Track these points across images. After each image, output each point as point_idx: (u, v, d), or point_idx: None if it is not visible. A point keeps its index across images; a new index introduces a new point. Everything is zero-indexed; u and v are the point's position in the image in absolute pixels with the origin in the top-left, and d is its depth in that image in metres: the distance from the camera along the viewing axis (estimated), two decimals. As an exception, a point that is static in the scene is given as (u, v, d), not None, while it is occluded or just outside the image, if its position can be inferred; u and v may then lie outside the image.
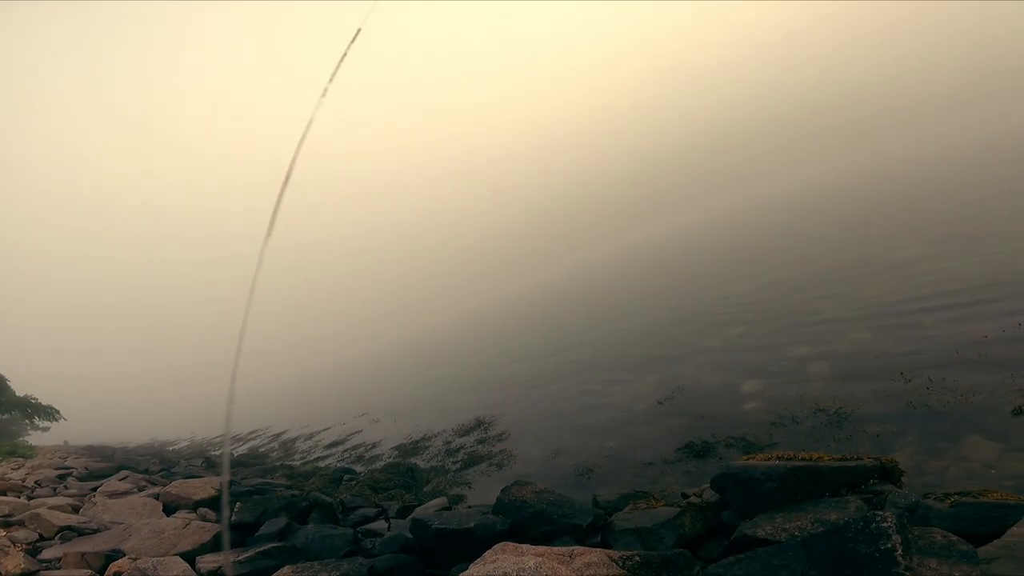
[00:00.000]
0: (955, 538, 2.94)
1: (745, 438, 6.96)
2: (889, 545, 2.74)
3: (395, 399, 23.73)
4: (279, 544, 5.70)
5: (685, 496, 5.13)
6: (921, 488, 4.42)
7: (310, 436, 21.03)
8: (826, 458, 4.62)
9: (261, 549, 5.55)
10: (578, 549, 3.86)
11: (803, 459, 4.66)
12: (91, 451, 24.77)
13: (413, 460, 11.83)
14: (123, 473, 12.24)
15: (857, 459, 4.53)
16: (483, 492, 8.28)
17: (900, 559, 2.65)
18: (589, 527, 4.89)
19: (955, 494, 3.91)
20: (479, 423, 13.34)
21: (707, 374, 10.54)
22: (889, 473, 4.45)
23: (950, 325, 8.42)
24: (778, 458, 4.82)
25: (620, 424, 9.37)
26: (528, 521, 5.19)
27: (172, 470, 15.01)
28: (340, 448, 16.61)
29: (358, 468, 12.81)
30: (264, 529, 6.56)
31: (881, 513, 3.02)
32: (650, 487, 6.48)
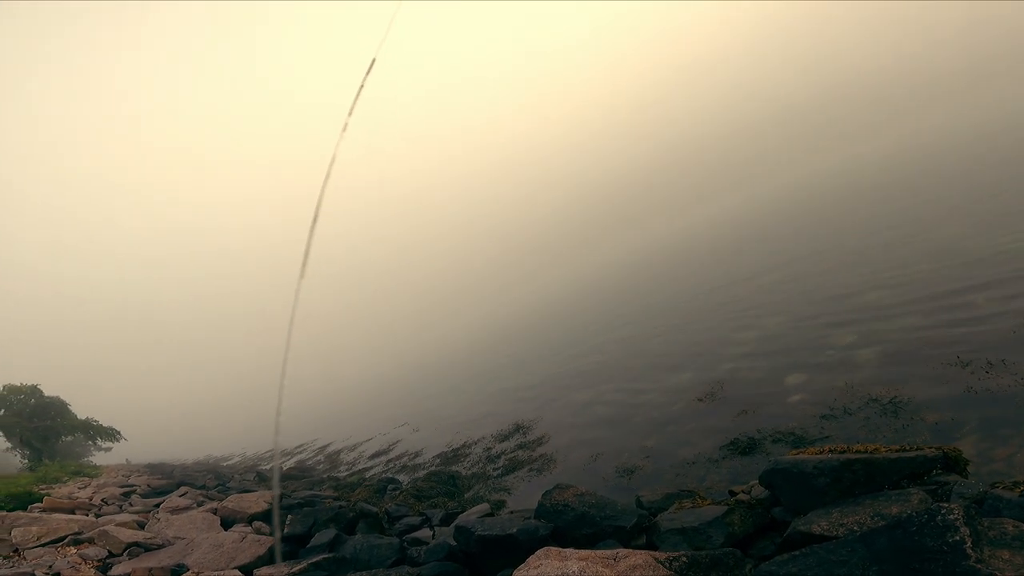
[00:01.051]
0: (1030, 528, 2.74)
1: (793, 432, 6.71)
2: (958, 537, 2.57)
3: (433, 408, 23.93)
4: (329, 555, 5.79)
5: (732, 494, 4.96)
6: (988, 477, 4.16)
7: (354, 447, 21.40)
8: (883, 449, 4.39)
9: (313, 560, 5.66)
10: (623, 551, 3.77)
11: (858, 451, 4.45)
12: (152, 469, 25.85)
13: (454, 468, 11.88)
14: (183, 489, 12.72)
15: (917, 449, 4.30)
16: (524, 497, 8.23)
17: (970, 551, 2.48)
18: (633, 528, 4.79)
19: (1027, 482, 3.65)
20: (518, 428, 13.30)
21: (745, 368, 10.22)
22: (953, 463, 4.20)
23: (1004, 303, 7.93)
24: (830, 451, 4.61)
25: (659, 424, 9.17)
26: (571, 525, 5.12)
27: (227, 485, 15.51)
28: (383, 458, 16.83)
29: (401, 477, 12.94)
30: (315, 541, 6.69)
31: (947, 505, 2.84)
32: (695, 486, 6.31)
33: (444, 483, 10.52)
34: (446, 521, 7.81)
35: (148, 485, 15.14)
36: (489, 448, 12.48)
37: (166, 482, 15.87)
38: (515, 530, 5.17)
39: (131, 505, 11.41)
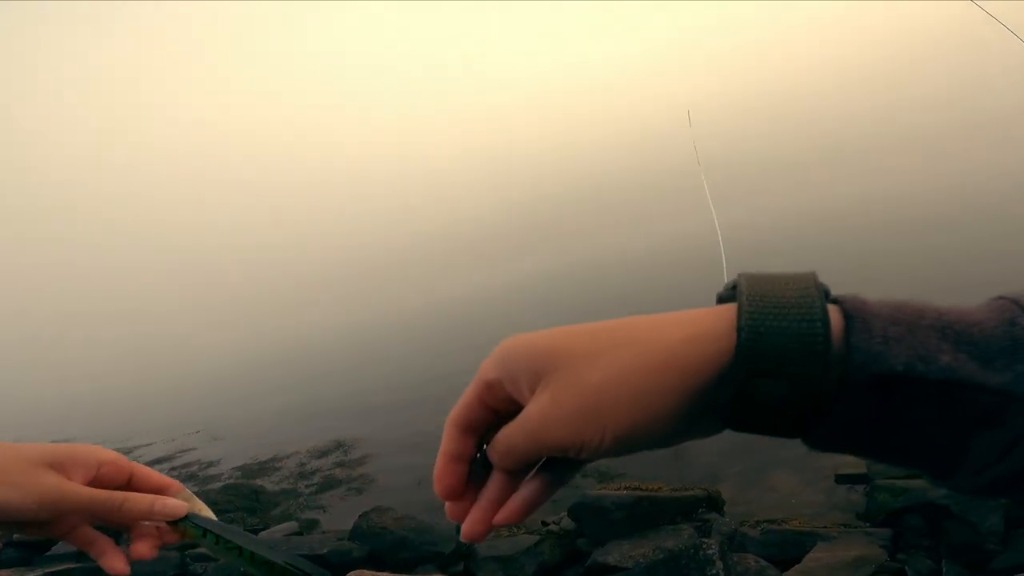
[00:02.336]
0: (765, 563, 3.49)
1: (599, 468, 7.53)
2: (714, 571, 3.19)
3: (240, 416, 21.77)
4: (77, 565, 4.90)
5: (545, 524, 5.41)
6: (739, 516, 5.14)
7: (129, 451, 18.43)
8: (665, 488, 5.20)
9: (53, 570, 4.73)
10: (441, 578, 3.90)
11: (647, 489, 5.22)
12: None
13: (259, 482, 10.97)
14: None
15: (687, 489, 5.16)
16: (340, 518, 7.95)
17: (724, 582, 3.09)
18: (452, 555, 4.95)
19: (764, 522, 4.63)
20: (339, 445, 12.78)
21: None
22: (714, 502, 5.13)
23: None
24: (626, 488, 5.31)
25: None
26: (388, 548, 5.11)
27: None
28: (167, 465, 14.81)
29: (189, 487, 11.50)
30: (58, 548, 5.59)
31: (707, 541, 3.50)
32: (512, 514, 6.71)
33: (245, 497, 9.62)
34: (244, 540, 7.16)
35: None
36: (303, 464, 11.84)
37: None
38: (326, 551, 5.04)
39: None
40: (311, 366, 34.05)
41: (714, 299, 0.41)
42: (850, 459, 5.39)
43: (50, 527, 0.58)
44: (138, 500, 0.59)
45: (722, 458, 6.72)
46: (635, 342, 0.37)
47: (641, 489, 5.21)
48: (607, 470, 7.38)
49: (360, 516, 5.71)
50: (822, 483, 5.27)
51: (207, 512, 0.64)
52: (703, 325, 0.37)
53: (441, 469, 0.42)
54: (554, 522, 5.36)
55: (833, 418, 0.35)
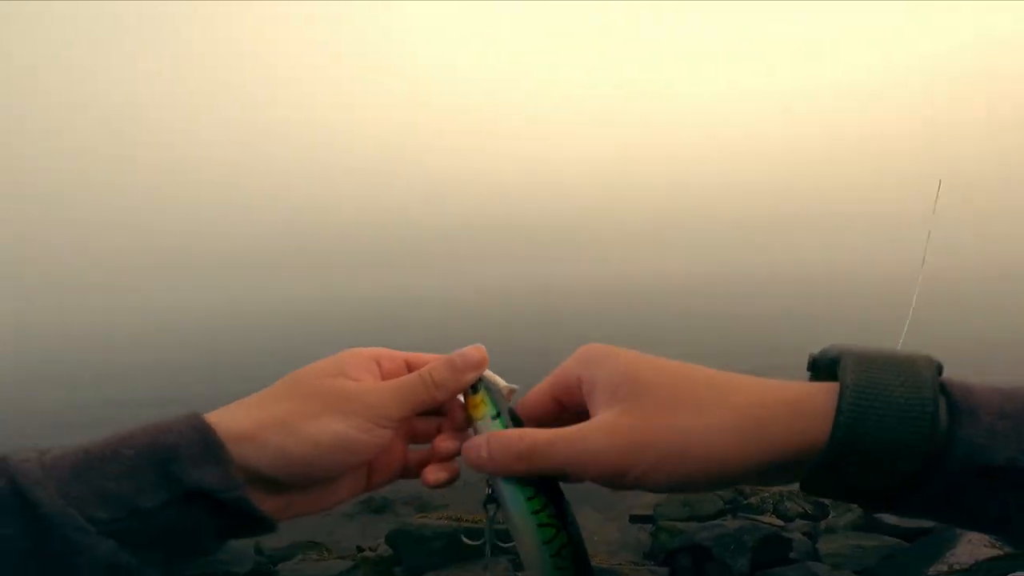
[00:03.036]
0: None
1: (422, 497, 7.53)
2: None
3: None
4: None
5: (360, 550, 5.28)
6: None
7: None
8: (484, 519, 5.44)
9: None
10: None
11: (467, 521, 5.41)
12: None
13: None
14: None
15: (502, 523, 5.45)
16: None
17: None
18: (250, 574, 4.60)
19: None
20: None
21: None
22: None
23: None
24: (447, 518, 5.43)
25: None
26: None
27: None
28: None
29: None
30: None
31: (521, 574, 3.76)
32: (325, 538, 6.39)
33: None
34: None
35: None
36: None
37: None
38: None
39: None
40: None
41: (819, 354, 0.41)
42: (644, 500, 6.17)
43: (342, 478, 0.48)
44: (439, 366, 0.48)
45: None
46: (728, 403, 0.37)
47: (462, 520, 5.37)
48: (430, 500, 7.42)
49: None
50: (618, 522, 5.91)
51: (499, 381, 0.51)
52: (802, 404, 0.36)
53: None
54: (370, 548, 5.26)
55: (920, 496, 0.35)
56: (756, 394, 0.37)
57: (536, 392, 0.47)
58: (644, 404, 0.39)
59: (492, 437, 0.45)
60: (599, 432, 0.39)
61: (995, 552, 3.28)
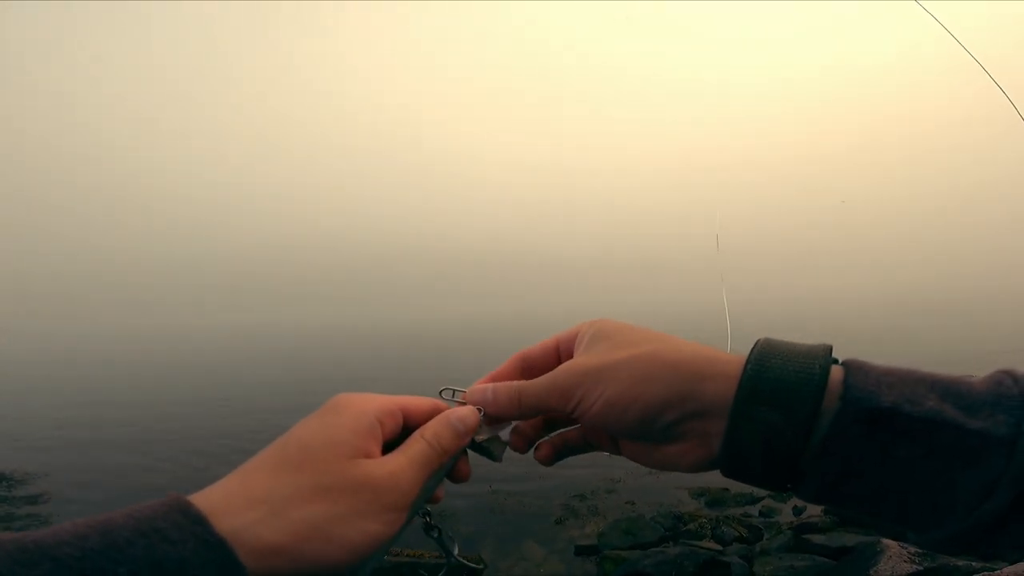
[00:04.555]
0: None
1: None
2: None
3: None
4: None
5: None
6: (496, 583, 5.40)
7: None
8: (427, 555, 5.27)
9: None
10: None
11: (409, 555, 5.24)
12: None
13: None
14: None
15: (455, 558, 5.30)
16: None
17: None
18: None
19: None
20: (1, 478, 10.06)
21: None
22: (473, 570, 5.34)
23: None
24: (389, 553, 5.24)
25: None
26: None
27: None
28: None
29: None
30: None
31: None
32: None
33: None
34: None
35: None
36: None
37: None
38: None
39: None
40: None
41: None
42: (586, 531, 6.16)
43: None
44: (445, 433, 0.49)
45: (481, 525, 7.02)
46: (663, 347, 0.46)
47: (403, 555, 5.20)
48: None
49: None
50: (561, 554, 5.87)
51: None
52: (721, 358, 0.45)
53: (482, 381, 0.55)
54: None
55: (825, 459, 0.40)
56: (700, 358, 0.45)
57: (542, 345, 0.55)
58: (600, 347, 0.48)
59: (496, 385, 0.53)
60: (563, 368, 0.49)
61: (915, 568, 3.48)
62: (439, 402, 0.52)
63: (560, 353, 0.55)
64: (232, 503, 0.38)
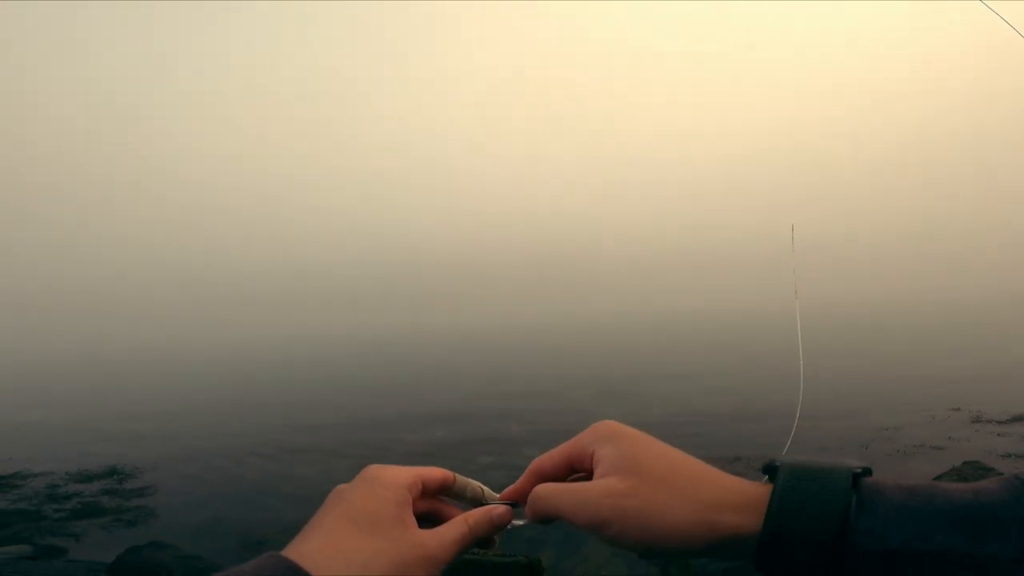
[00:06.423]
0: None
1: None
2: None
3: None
4: None
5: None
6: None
7: None
8: (491, 554, 5.23)
9: None
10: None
11: (472, 554, 5.22)
12: None
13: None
14: None
15: (513, 557, 5.24)
16: (98, 549, 6.67)
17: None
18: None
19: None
20: (113, 471, 10.90)
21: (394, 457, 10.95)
22: (534, 569, 5.24)
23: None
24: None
25: (319, 494, 8.85)
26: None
27: None
28: None
29: None
30: None
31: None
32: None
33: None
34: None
35: None
36: (56, 485, 9.95)
37: None
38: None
39: None
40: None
41: None
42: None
43: None
44: (483, 521, 0.56)
45: (543, 528, 6.94)
46: (697, 496, 0.48)
47: (469, 553, 5.20)
48: None
49: (128, 550, 4.90)
50: (626, 556, 5.71)
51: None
52: (749, 500, 0.47)
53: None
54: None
55: None
56: (719, 492, 0.48)
57: (551, 455, 0.55)
58: (639, 478, 0.49)
59: (537, 493, 0.53)
60: (600, 488, 0.49)
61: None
62: (447, 472, 0.58)
63: (572, 465, 0.55)
64: (332, 564, 0.45)
